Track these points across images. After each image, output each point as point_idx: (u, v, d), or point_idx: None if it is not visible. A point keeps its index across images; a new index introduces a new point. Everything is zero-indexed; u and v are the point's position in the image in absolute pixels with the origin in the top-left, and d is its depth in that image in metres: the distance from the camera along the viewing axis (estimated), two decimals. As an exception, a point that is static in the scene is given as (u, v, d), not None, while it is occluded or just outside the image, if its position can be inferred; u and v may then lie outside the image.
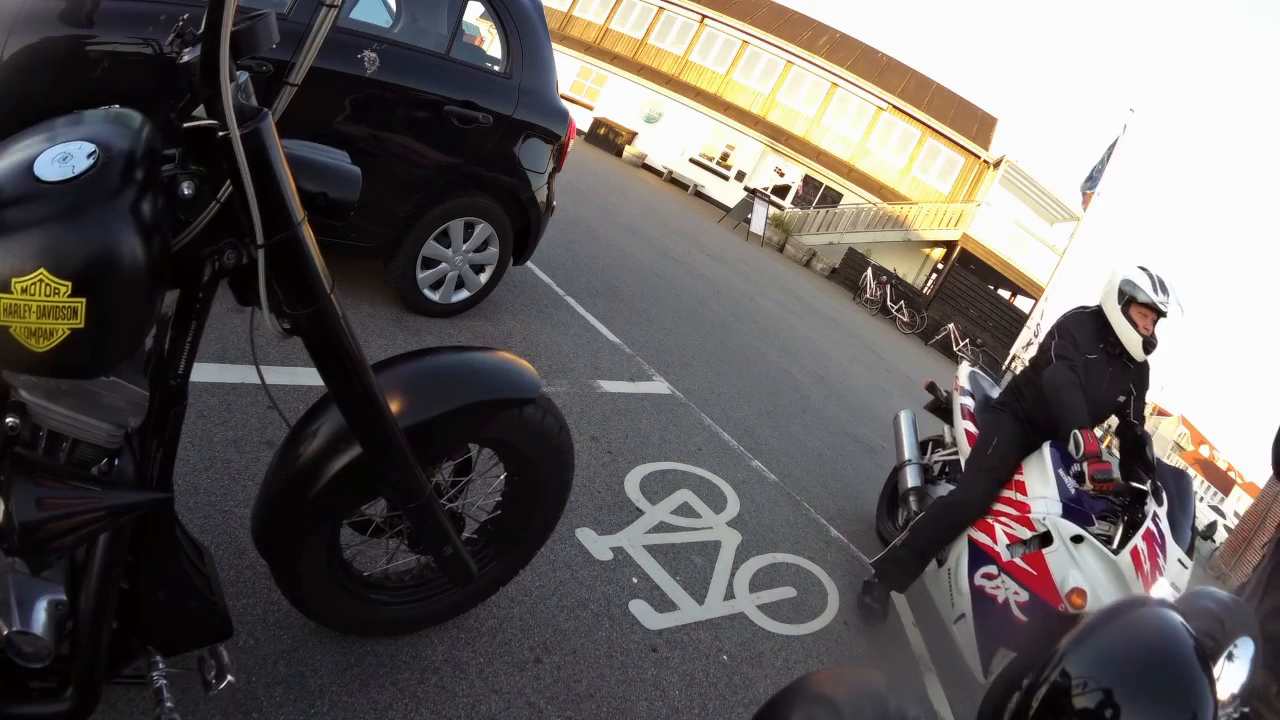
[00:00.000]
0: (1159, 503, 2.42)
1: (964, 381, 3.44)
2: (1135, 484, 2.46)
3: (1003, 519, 2.59)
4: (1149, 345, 2.66)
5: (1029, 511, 2.52)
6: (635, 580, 2.31)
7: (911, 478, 3.34)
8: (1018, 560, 2.47)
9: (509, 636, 1.83)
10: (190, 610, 1.13)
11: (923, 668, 2.80)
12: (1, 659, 0.93)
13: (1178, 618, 0.76)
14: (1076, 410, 2.52)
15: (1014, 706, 0.74)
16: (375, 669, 1.56)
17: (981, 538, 2.61)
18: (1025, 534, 2.49)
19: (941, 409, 3.57)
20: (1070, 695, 0.70)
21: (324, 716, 1.41)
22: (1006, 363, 18.63)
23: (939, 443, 3.59)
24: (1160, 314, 2.63)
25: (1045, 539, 2.44)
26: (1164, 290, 2.61)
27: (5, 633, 0.90)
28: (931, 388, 3.70)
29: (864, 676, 0.92)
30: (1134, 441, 2.73)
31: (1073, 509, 2.45)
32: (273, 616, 1.56)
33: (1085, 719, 0.68)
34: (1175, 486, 2.55)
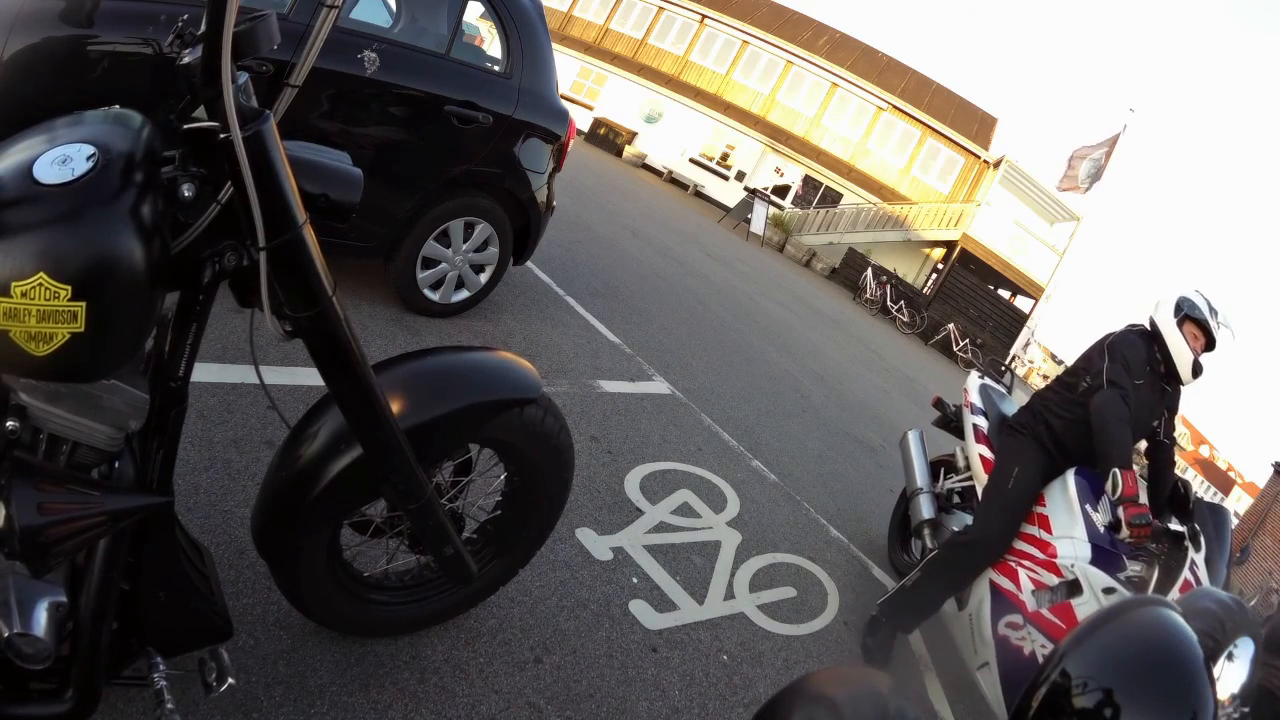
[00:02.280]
0: (1197, 548, 2.28)
1: (974, 397, 3.16)
2: (1172, 527, 2.31)
3: (1026, 563, 2.42)
4: (1197, 369, 2.56)
5: (1055, 555, 2.36)
6: (635, 580, 2.31)
7: (925, 509, 3.09)
8: (1044, 612, 2.30)
9: (509, 636, 1.83)
10: (190, 611, 1.13)
11: (923, 668, 2.80)
12: (2, 660, 0.93)
13: (1178, 617, 0.76)
14: (1123, 449, 2.37)
15: (1014, 707, 0.74)
16: (375, 669, 1.56)
17: (1005, 583, 2.44)
18: (1052, 580, 2.33)
19: (950, 425, 3.34)
20: (1070, 695, 0.70)
21: (324, 716, 1.41)
22: (1007, 362, 18.60)
23: (951, 465, 3.32)
24: (1209, 338, 2.55)
25: (1074, 587, 2.28)
26: (1216, 315, 2.55)
27: (6, 634, 0.90)
28: (939, 404, 3.45)
29: (864, 676, 0.92)
30: (1164, 462, 2.66)
31: (1102, 550, 2.31)
32: (273, 616, 1.56)
33: (1085, 719, 0.68)
34: (1213, 522, 2.45)
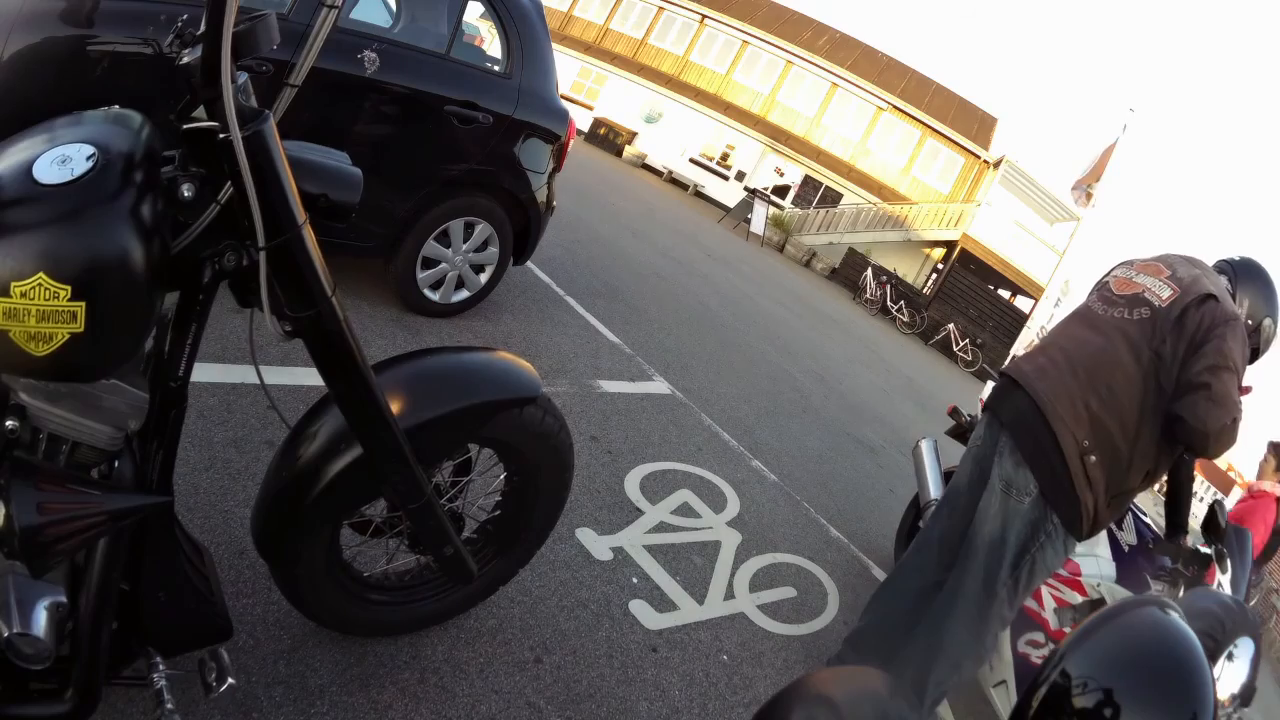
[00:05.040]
0: (1223, 570, 2.27)
1: None
2: (1201, 549, 2.29)
3: (1049, 580, 2.34)
4: None
5: (1079, 573, 2.30)
6: (635, 580, 2.31)
7: None
8: (1068, 630, 2.25)
9: (509, 636, 1.83)
10: (190, 611, 1.13)
11: (923, 668, 2.80)
12: (2, 660, 0.93)
13: (1178, 618, 0.76)
14: None
15: (1014, 707, 0.74)
16: (375, 669, 1.56)
17: (1026, 601, 2.38)
18: (1076, 598, 2.28)
19: (964, 435, 3.23)
20: (1070, 695, 0.70)
21: (324, 716, 1.41)
22: (1006, 363, 18.57)
23: None
24: None
25: (1098, 605, 2.24)
26: None
27: (6, 634, 0.90)
28: (954, 413, 3.38)
29: (864, 676, 0.92)
30: (1185, 479, 2.63)
31: (1126, 569, 2.28)
32: (273, 616, 1.56)
33: (1085, 719, 0.68)
34: (1237, 542, 2.44)
